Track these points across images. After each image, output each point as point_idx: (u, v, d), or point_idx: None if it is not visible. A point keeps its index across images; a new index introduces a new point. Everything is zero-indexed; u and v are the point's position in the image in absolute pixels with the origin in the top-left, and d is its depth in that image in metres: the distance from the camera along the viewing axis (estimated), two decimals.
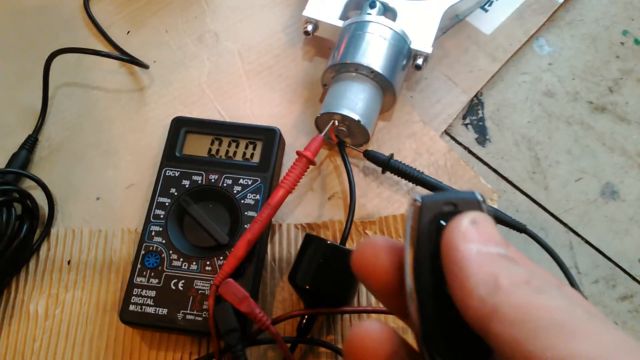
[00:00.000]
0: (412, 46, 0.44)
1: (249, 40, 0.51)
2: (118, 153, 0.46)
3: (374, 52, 0.42)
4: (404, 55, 0.44)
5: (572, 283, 0.40)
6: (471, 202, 0.19)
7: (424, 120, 0.47)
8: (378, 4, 0.47)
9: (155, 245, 0.38)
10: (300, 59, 0.51)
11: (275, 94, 0.49)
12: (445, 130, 0.48)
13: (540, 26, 0.51)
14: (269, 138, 0.42)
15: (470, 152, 0.47)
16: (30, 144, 0.44)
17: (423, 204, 0.19)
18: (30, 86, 0.47)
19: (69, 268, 0.41)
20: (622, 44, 0.51)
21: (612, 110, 0.48)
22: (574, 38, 0.51)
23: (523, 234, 0.40)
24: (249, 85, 0.49)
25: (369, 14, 0.46)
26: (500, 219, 0.39)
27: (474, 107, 0.49)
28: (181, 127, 0.43)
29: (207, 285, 0.37)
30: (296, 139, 0.47)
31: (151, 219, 0.39)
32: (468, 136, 0.48)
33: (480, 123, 0.48)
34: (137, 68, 0.49)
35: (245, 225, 0.39)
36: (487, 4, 0.53)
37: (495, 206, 0.42)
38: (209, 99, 0.48)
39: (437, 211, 0.19)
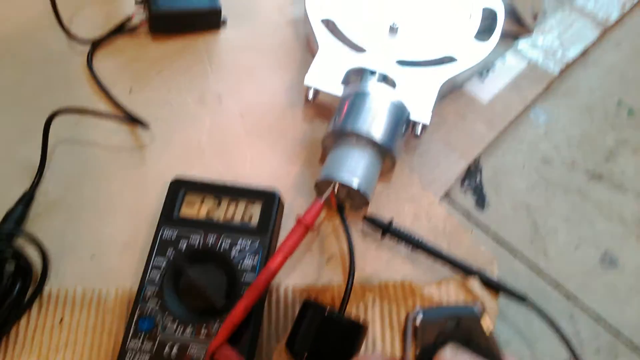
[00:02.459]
0: (411, 117, 0.45)
1: (250, 101, 0.52)
2: (115, 211, 0.45)
3: (373, 121, 0.43)
4: (403, 123, 0.45)
5: (574, 354, 0.39)
6: (471, 318, 0.19)
7: (423, 184, 0.47)
8: (377, 74, 0.48)
9: (150, 307, 0.37)
10: (300, 121, 0.51)
11: (275, 154, 0.49)
12: (443, 195, 0.48)
13: (537, 96, 0.53)
14: (268, 201, 0.42)
15: (469, 217, 0.47)
16: (27, 200, 0.44)
17: (423, 322, 0.19)
18: (30, 141, 0.47)
19: (60, 328, 0.40)
20: (617, 114, 0.52)
21: (609, 178, 0.48)
22: (569, 108, 0.53)
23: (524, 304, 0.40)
24: (249, 145, 0.50)
25: (369, 82, 0.47)
26: (502, 288, 0.39)
27: (472, 172, 0.49)
28: (180, 187, 0.43)
29: (202, 350, 0.36)
30: (295, 199, 0.47)
31: (146, 280, 0.38)
32: (467, 201, 0.48)
33: (479, 188, 0.48)
34: (138, 126, 0.49)
35: (243, 290, 0.38)
36: (484, 74, 0.54)
37: (495, 274, 0.42)
38: (208, 159, 0.49)
39: (438, 330, 0.19)
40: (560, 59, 0.56)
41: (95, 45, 0.54)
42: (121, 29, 0.55)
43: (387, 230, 0.42)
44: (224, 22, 0.57)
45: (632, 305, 0.42)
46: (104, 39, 0.54)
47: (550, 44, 0.58)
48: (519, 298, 0.39)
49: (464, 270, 0.40)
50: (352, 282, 0.39)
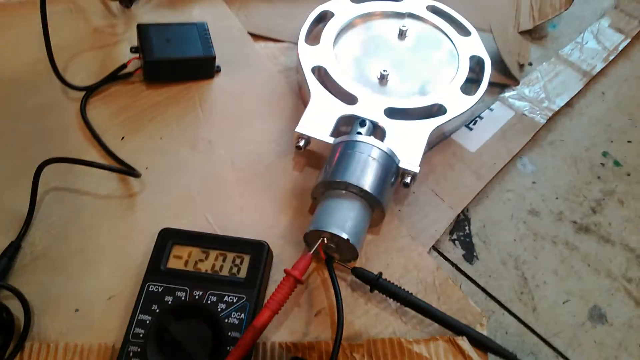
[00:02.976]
0: (401, 165, 0.46)
1: (241, 148, 0.53)
2: (102, 262, 0.45)
3: (363, 171, 0.43)
4: (392, 173, 0.45)
5: None
6: None
7: (412, 235, 0.48)
8: (368, 122, 0.49)
9: None
10: (290, 169, 0.52)
11: (265, 203, 0.49)
12: (433, 246, 0.48)
13: (523, 146, 0.53)
14: (257, 253, 0.42)
15: (458, 269, 0.47)
16: (12, 251, 0.43)
17: None
18: (18, 189, 0.47)
19: None
20: (603, 165, 0.53)
21: (596, 231, 0.49)
22: (555, 158, 0.54)
23: None
24: (240, 193, 0.50)
25: (359, 132, 0.48)
26: (491, 348, 0.39)
27: (460, 222, 0.49)
28: (168, 239, 0.43)
29: None
30: (284, 249, 0.47)
31: (130, 338, 0.38)
32: (456, 252, 0.48)
33: (467, 239, 0.48)
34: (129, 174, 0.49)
35: (229, 348, 0.37)
36: (472, 123, 0.55)
37: (485, 330, 0.41)
38: (198, 207, 0.49)
39: None
40: (546, 109, 0.57)
41: (89, 92, 0.55)
42: (115, 77, 0.56)
43: (375, 285, 0.41)
44: (218, 70, 0.58)
45: None
46: (98, 86, 0.55)
47: (536, 94, 0.59)
48: (509, 358, 0.39)
49: (453, 328, 0.40)
50: (340, 340, 0.39)
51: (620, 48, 0.65)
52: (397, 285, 0.42)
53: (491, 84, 0.56)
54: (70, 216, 0.47)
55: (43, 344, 0.40)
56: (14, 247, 0.44)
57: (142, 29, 0.55)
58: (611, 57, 0.64)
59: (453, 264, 0.47)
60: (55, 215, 0.47)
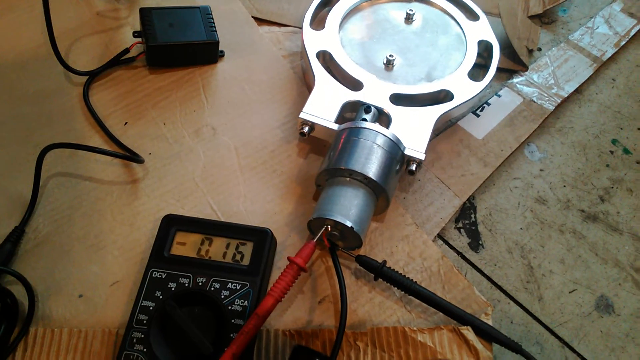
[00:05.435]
0: (406, 152, 0.45)
1: (245, 135, 0.52)
2: (105, 248, 0.45)
3: (368, 159, 0.42)
4: (397, 160, 0.44)
5: None
6: None
7: (417, 223, 0.47)
8: (373, 108, 0.48)
9: (136, 354, 0.37)
10: (295, 156, 0.51)
11: (268, 190, 0.49)
12: (438, 234, 0.47)
13: (531, 133, 0.52)
14: (260, 240, 0.42)
15: (463, 257, 0.46)
16: (16, 236, 0.43)
17: None
18: (22, 175, 0.47)
19: None
20: (612, 152, 0.52)
21: (604, 219, 0.48)
22: (564, 145, 0.53)
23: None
24: (243, 180, 0.49)
25: (364, 119, 0.47)
26: (496, 338, 0.38)
27: (466, 210, 0.49)
28: (172, 225, 0.42)
29: None
30: (288, 236, 0.46)
31: (134, 324, 0.38)
32: (461, 241, 0.47)
33: (473, 227, 0.48)
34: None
35: (232, 335, 0.37)
36: (479, 109, 0.54)
37: (490, 320, 0.41)
38: (202, 193, 0.48)
39: None
40: (555, 95, 0.56)
41: (92, 77, 0.54)
42: (118, 61, 0.55)
43: (379, 273, 0.41)
44: (222, 55, 0.57)
45: (629, 352, 0.42)
46: (101, 70, 0.54)
47: (545, 80, 0.58)
48: (514, 350, 0.38)
49: (458, 318, 0.39)
50: (344, 329, 0.39)
51: (632, 33, 0.63)
52: (401, 274, 0.41)
53: (499, 70, 0.55)
54: (74, 202, 0.47)
55: (47, 329, 0.40)
56: (18, 233, 0.44)
57: (144, 13, 0.54)
58: (622, 43, 0.62)
59: (458, 252, 0.47)
60: (59, 200, 0.47)
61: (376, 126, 0.45)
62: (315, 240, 0.41)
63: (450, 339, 0.38)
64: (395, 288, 0.43)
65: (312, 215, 0.42)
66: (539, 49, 0.61)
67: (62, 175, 0.48)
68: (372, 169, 0.42)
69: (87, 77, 0.54)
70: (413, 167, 0.45)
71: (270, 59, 0.58)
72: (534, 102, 0.55)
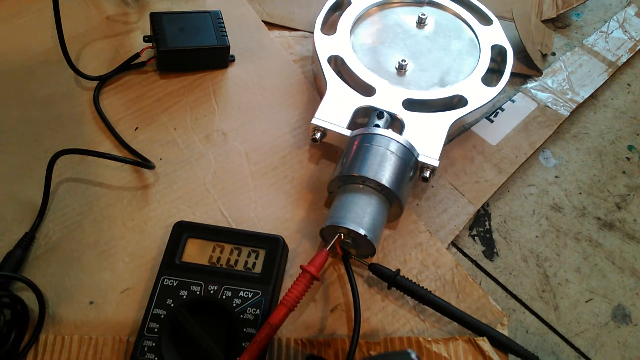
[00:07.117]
0: (420, 158, 0.44)
1: (256, 140, 0.52)
2: (116, 254, 0.44)
3: (381, 166, 0.42)
4: (410, 167, 0.44)
5: None
6: None
7: (430, 230, 0.46)
8: (385, 114, 0.48)
9: None
10: (306, 161, 0.51)
11: (280, 196, 0.48)
12: (452, 242, 0.47)
13: (546, 139, 0.52)
14: (272, 247, 0.41)
15: (477, 265, 0.46)
16: (27, 242, 0.43)
17: None
18: (32, 181, 0.47)
19: None
20: (628, 159, 0.51)
21: (621, 227, 0.47)
22: (579, 152, 0.52)
23: None
24: (254, 186, 0.49)
25: (377, 125, 0.47)
26: (513, 349, 0.38)
27: (480, 218, 0.48)
28: (183, 232, 0.42)
29: None
30: (300, 243, 0.46)
31: (145, 332, 0.37)
32: (475, 249, 0.47)
33: (488, 235, 0.47)
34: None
35: (244, 344, 0.37)
36: (493, 115, 0.54)
37: (506, 330, 0.40)
38: (213, 200, 0.48)
39: None
40: (570, 100, 0.55)
41: (102, 81, 0.54)
42: (129, 66, 0.55)
43: (392, 282, 0.40)
44: (232, 60, 0.57)
45: None
46: (111, 75, 0.54)
47: (559, 85, 0.57)
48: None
49: (473, 328, 0.39)
50: (358, 339, 0.38)
51: None
52: (415, 283, 0.41)
53: (513, 75, 0.54)
54: (84, 207, 0.47)
55: (57, 337, 0.40)
56: (28, 239, 0.43)
57: (155, 18, 0.54)
58: (638, 47, 0.61)
59: (472, 261, 0.46)
60: (69, 206, 0.47)
61: (389, 132, 0.44)
62: (328, 248, 0.40)
63: (465, 349, 0.37)
64: (409, 297, 0.42)
65: (324, 223, 0.42)
66: (553, 54, 0.60)
67: (72, 180, 0.48)
68: (386, 176, 0.42)
69: (97, 81, 0.54)
70: (427, 174, 0.45)
71: (281, 63, 0.58)
72: (549, 107, 0.55)
